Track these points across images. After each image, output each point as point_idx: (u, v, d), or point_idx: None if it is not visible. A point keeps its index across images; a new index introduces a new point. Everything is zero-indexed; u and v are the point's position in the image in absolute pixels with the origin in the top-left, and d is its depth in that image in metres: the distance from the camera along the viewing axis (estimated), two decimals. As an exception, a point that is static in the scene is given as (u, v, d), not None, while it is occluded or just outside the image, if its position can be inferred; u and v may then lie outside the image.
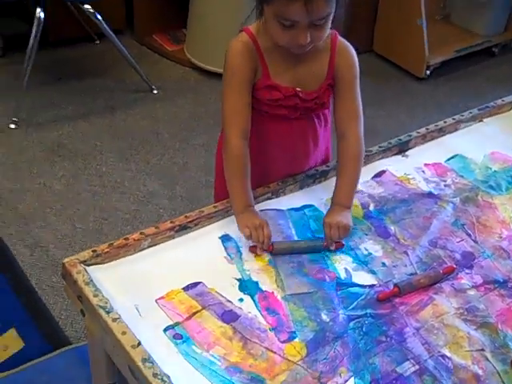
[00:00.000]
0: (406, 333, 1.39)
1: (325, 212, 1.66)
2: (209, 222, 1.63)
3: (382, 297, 1.47)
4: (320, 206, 1.73)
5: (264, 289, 1.47)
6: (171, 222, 1.58)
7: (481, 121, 2.15)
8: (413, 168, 1.91)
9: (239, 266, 1.52)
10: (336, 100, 1.70)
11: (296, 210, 1.71)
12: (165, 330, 1.34)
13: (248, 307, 1.42)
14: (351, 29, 3.73)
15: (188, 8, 3.82)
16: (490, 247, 1.65)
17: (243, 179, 1.63)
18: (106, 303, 1.35)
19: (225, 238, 1.60)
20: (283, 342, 1.35)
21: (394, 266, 1.56)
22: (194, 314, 1.39)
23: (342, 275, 1.53)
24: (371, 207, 1.75)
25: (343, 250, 1.60)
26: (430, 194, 1.81)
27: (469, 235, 1.68)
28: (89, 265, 1.46)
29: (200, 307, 1.41)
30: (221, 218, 1.65)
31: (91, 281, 1.40)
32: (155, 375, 1.22)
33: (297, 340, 1.36)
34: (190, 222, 1.60)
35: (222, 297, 1.44)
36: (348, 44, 1.68)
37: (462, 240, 1.66)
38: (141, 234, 1.54)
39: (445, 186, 1.85)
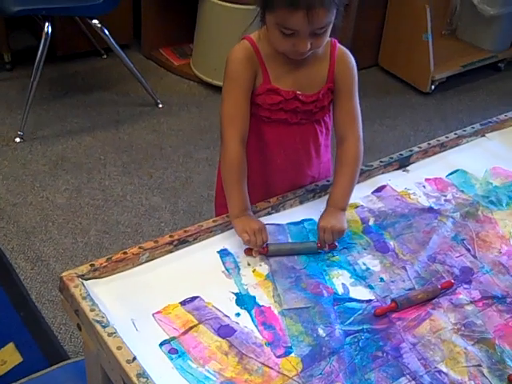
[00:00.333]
0: (403, 348, 1.39)
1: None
2: (207, 236, 1.63)
3: (379, 312, 1.46)
4: (319, 219, 1.72)
5: (261, 303, 1.47)
6: (170, 236, 1.59)
7: (483, 136, 2.14)
8: (413, 183, 1.90)
9: (237, 281, 1.52)
10: (336, 105, 1.73)
11: (295, 224, 1.71)
12: (160, 345, 1.34)
13: (244, 322, 1.42)
14: (357, 43, 3.75)
15: (195, 23, 3.84)
16: (489, 262, 1.64)
17: (240, 183, 1.64)
18: (103, 318, 1.35)
19: (223, 253, 1.59)
20: (279, 356, 1.35)
21: (391, 281, 1.56)
22: (191, 328, 1.39)
23: (340, 290, 1.52)
24: (371, 222, 1.75)
25: (341, 265, 1.59)
26: (430, 209, 1.80)
27: (468, 250, 1.67)
28: (87, 279, 1.46)
29: (196, 322, 1.40)
30: (219, 233, 1.65)
31: (88, 295, 1.40)
32: (149, 390, 1.21)
33: (293, 355, 1.35)
34: (188, 236, 1.60)
35: (219, 311, 1.43)
36: (347, 51, 1.71)
37: (462, 255, 1.66)
38: (139, 248, 1.54)
39: (445, 200, 1.84)
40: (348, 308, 1.48)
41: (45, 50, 3.24)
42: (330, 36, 1.62)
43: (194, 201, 2.97)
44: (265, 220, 1.69)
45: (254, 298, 1.48)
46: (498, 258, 1.66)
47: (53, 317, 2.35)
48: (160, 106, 3.66)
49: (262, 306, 1.46)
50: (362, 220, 1.75)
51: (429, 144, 2.02)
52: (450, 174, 1.96)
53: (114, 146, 3.31)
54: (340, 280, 1.55)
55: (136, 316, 1.40)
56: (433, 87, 3.99)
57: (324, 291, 1.51)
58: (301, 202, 1.78)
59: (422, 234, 1.71)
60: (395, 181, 1.90)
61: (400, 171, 1.95)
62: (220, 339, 1.37)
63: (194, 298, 1.46)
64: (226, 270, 1.55)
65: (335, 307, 1.47)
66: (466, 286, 1.57)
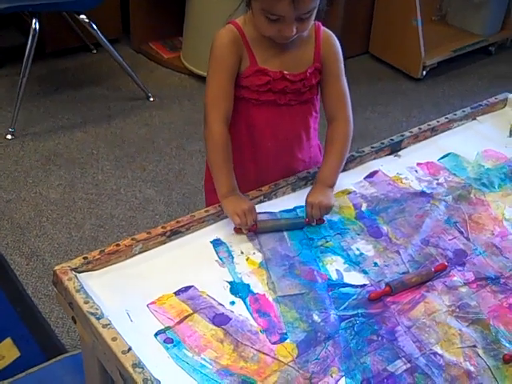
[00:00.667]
0: (398, 331, 1.39)
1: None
2: (200, 226, 1.63)
3: (374, 296, 1.46)
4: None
5: (255, 291, 1.47)
6: (163, 228, 1.58)
7: (474, 119, 2.15)
8: (405, 168, 1.90)
9: (231, 269, 1.52)
10: (324, 87, 1.75)
11: (288, 211, 1.71)
12: (156, 335, 1.34)
13: (239, 310, 1.42)
14: (347, 31, 3.74)
15: (184, 16, 3.83)
16: (482, 244, 1.65)
17: (226, 163, 1.66)
18: (97, 310, 1.34)
19: (216, 242, 1.59)
20: (274, 343, 1.35)
21: (385, 266, 1.56)
22: (186, 317, 1.39)
23: (334, 276, 1.52)
24: (363, 207, 1.75)
25: (335, 251, 1.59)
26: (422, 193, 1.80)
27: (461, 233, 1.68)
28: (80, 272, 1.46)
29: (191, 311, 1.40)
30: (212, 223, 1.65)
31: (82, 288, 1.39)
32: (145, 380, 1.21)
33: (288, 341, 1.36)
34: (181, 226, 1.60)
35: (214, 300, 1.44)
36: (331, 33, 1.74)
37: (455, 238, 1.66)
38: (132, 239, 1.54)
39: (437, 184, 1.84)
40: (342, 293, 1.48)
41: (33, 46, 3.23)
42: (315, 19, 1.64)
43: (188, 192, 2.97)
44: (258, 208, 1.68)
45: (248, 285, 1.48)
46: (490, 239, 1.67)
47: (49, 311, 2.35)
48: (151, 99, 3.66)
49: (257, 293, 1.46)
50: (355, 206, 1.75)
51: (420, 129, 2.02)
52: (442, 157, 1.96)
53: (106, 140, 3.31)
54: (334, 266, 1.55)
55: (130, 307, 1.40)
56: (424, 73, 3.99)
57: (318, 277, 1.51)
58: (293, 190, 1.78)
59: (414, 218, 1.71)
60: (387, 166, 1.90)
61: (392, 156, 1.95)
62: (215, 327, 1.37)
63: (188, 288, 1.45)
64: (220, 259, 1.55)
65: (330, 293, 1.48)
66: (459, 268, 1.57)
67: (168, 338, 1.34)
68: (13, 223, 2.73)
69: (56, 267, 1.45)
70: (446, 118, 2.08)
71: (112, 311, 1.37)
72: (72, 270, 1.44)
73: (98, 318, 1.32)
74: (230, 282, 1.49)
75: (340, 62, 1.74)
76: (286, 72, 1.68)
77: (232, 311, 1.41)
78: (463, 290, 1.51)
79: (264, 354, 1.32)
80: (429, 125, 2.05)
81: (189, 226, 1.61)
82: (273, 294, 1.46)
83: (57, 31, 3.81)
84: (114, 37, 3.96)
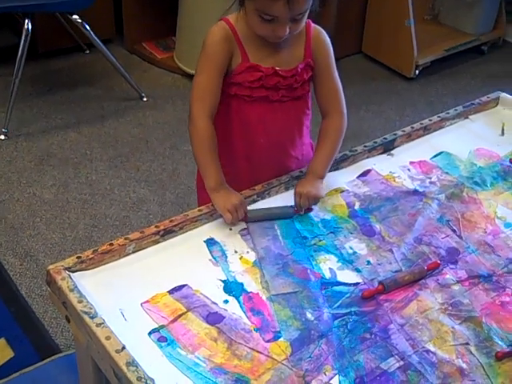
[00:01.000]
0: (391, 329, 1.40)
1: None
2: (194, 225, 1.63)
3: (367, 294, 1.47)
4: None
5: (249, 290, 1.47)
6: (156, 227, 1.58)
7: (466, 118, 2.15)
8: (398, 166, 1.91)
9: (224, 268, 1.52)
10: (317, 83, 1.77)
11: (281, 210, 1.71)
12: (149, 334, 1.34)
13: (233, 308, 1.42)
14: (340, 30, 3.76)
15: (177, 16, 3.83)
16: (474, 242, 1.65)
17: (213, 156, 1.67)
18: (91, 309, 1.35)
19: (210, 242, 1.59)
20: (268, 341, 1.35)
21: (378, 264, 1.57)
22: (179, 316, 1.39)
23: (327, 275, 1.53)
24: (356, 206, 1.75)
25: (328, 250, 1.60)
26: (415, 192, 1.81)
27: (454, 231, 1.68)
28: (73, 271, 1.46)
29: (185, 309, 1.40)
30: (206, 222, 1.65)
31: (75, 287, 1.40)
32: (139, 379, 1.21)
33: (281, 339, 1.36)
34: (174, 225, 1.60)
35: (207, 299, 1.44)
36: (321, 29, 1.75)
37: (447, 236, 1.66)
38: (125, 238, 1.54)
39: (430, 183, 1.85)
40: (336, 292, 1.48)
41: (26, 46, 3.23)
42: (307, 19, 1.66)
43: (182, 192, 2.98)
44: (251, 208, 1.69)
45: (242, 284, 1.48)
46: (483, 237, 1.67)
47: (43, 311, 2.35)
48: (145, 99, 3.66)
49: (250, 292, 1.47)
50: (348, 204, 1.75)
51: (412, 127, 2.03)
52: (435, 156, 1.96)
53: (99, 140, 3.31)
54: (327, 264, 1.56)
55: (124, 306, 1.40)
56: (417, 72, 4.00)
57: (311, 276, 1.52)
58: (286, 189, 1.78)
59: (407, 217, 1.72)
60: (380, 165, 1.91)
61: (384, 155, 1.96)
62: (209, 326, 1.37)
63: (181, 287, 1.46)
64: (213, 258, 1.55)
65: (323, 291, 1.48)
66: (452, 266, 1.58)
67: (162, 336, 1.34)
68: (6, 223, 2.73)
69: (49, 267, 1.45)
70: (439, 116, 2.09)
71: (106, 310, 1.37)
72: (65, 269, 1.45)
73: (92, 317, 1.33)
74: (223, 281, 1.49)
75: (331, 57, 1.75)
76: (277, 68, 1.68)
77: (226, 310, 1.41)
78: (456, 287, 1.52)
79: (258, 352, 1.32)
80: (421, 123, 2.05)
81: (182, 226, 1.61)
82: (266, 292, 1.47)
83: (49, 31, 3.81)
84: (107, 37, 3.96)
